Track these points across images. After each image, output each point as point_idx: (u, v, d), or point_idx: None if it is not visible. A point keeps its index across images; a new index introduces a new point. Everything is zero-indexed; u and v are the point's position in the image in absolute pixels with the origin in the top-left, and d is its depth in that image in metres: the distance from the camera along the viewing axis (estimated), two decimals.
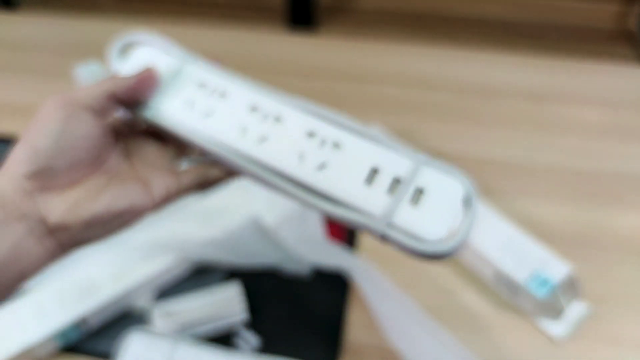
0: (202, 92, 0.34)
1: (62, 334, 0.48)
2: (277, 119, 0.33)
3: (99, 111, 0.32)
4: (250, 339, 0.50)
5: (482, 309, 0.53)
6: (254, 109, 0.33)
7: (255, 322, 0.51)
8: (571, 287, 0.51)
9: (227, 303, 0.50)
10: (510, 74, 0.82)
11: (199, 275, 0.55)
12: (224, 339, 0.50)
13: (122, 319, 0.51)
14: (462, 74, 0.82)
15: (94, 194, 0.31)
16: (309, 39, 0.93)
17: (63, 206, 0.30)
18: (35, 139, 0.30)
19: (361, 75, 0.82)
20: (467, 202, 0.29)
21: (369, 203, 0.30)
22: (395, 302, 0.50)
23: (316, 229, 0.57)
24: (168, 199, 0.34)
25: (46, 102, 0.31)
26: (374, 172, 0.30)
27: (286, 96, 0.34)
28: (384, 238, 0.29)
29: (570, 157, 0.68)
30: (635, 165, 0.67)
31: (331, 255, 0.54)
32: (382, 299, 0.51)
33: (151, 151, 0.36)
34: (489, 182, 0.63)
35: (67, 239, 0.30)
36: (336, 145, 0.31)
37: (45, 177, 0.30)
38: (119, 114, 0.36)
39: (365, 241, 0.58)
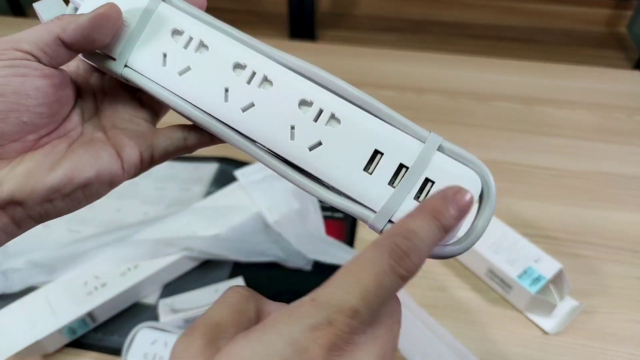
0: (176, 42, 0.28)
1: (71, 328, 0.49)
2: (266, 80, 0.27)
3: (48, 59, 0.26)
4: None
5: (475, 305, 0.54)
6: (238, 66, 0.27)
7: None
8: (562, 284, 0.52)
9: None
10: (503, 77, 0.84)
11: (204, 271, 0.56)
12: None
13: (129, 314, 0.52)
14: (455, 78, 0.84)
15: (51, 161, 0.26)
16: (307, 44, 0.94)
17: (13, 178, 0.25)
18: None
19: (358, 79, 0.84)
20: (485, 197, 0.25)
21: (369, 193, 0.25)
22: None
23: (316, 226, 0.58)
24: (142, 165, 0.29)
25: None
26: (376, 155, 0.25)
27: (275, 50, 0.28)
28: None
29: (562, 158, 0.70)
30: (625, 165, 0.69)
31: (330, 252, 0.55)
32: None
33: (123, 109, 0.30)
34: None
35: (21, 215, 0.26)
36: (335, 119, 0.26)
37: None
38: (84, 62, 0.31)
39: (364, 238, 0.59)
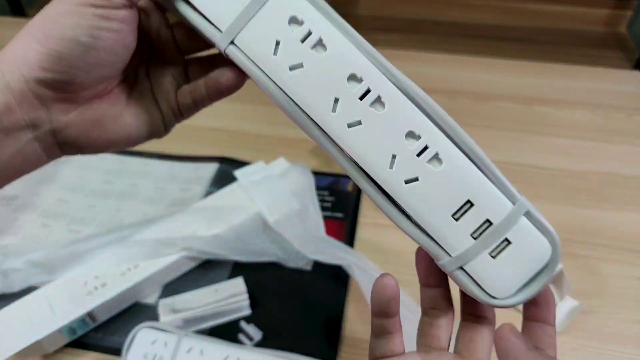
0: (292, 32, 0.25)
1: (71, 328, 0.49)
2: (378, 101, 0.25)
3: (141, 7, 0.27)
4: (254, 332, 0.51)
5: None
6: (353, 77, 0.25)
7: (258, 315, 0.52)
8: (562, 284, 0.52)
9: (231, 299, 0.51)
10: (503, 77, 0.83)
11: (204, 270, 0.56)
12: (228, 333, 0.51)
13: (129, 314, 0.52)
14: (455, 78, 0.84)
15: (114, 113, 0.27)
16: None
17: (82, 123, 0.26)
18: (57, 43, 0.24)
19: None
20: (548, 266, 0.26)
21: (450, 237, 0.26)
22: None
23: (316, 226, 0.58)
24: (176, 121, 0.31)
25: None
26: (467, 205, 0.26)
27: (395, 70, 0.26)
28: (450, 275, 0.27)
29: (562, 158, 0.70)
30: (624, 165, 0.69)
31: (330, 252, 0.55)
32: None
33: (170, 59, 0.30)
34: None
35: (73, 152, 0.28)
36: (437, 159, 0.26)
37: (64, 89, 0.25)
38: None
39: (363, 238, 0.59)
